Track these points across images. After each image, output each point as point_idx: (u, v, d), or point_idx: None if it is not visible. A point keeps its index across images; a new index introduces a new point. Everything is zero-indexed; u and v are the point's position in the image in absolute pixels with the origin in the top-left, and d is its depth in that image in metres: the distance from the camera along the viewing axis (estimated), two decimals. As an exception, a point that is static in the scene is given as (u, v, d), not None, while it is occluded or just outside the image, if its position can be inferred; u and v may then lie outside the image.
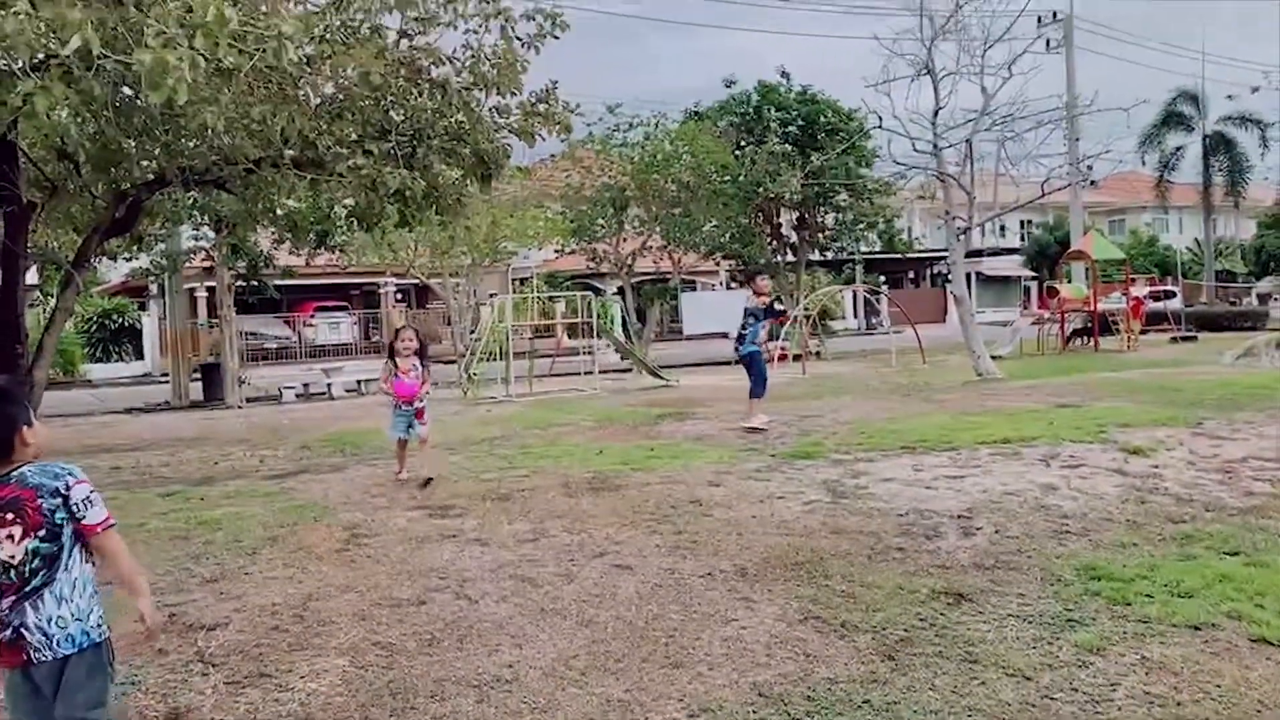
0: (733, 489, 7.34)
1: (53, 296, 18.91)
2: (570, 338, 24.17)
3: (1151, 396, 11.69)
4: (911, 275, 55.39)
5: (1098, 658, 4.11)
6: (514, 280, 35.15)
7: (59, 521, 2.84)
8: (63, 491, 2.84)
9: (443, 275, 26.79)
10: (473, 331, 25.79)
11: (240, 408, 20.46)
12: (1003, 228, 52.58)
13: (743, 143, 26.77)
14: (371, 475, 8.82)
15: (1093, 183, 27.37)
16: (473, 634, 4.56)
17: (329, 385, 22.44)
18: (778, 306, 10.61)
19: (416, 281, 32.30)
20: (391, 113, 10.80)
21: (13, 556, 2.80)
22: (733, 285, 41.40)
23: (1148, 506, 6.40)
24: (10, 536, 2.79)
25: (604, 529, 6.24)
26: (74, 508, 2.85)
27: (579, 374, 20.54)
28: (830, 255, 33.51)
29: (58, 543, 2.84)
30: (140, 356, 34.41)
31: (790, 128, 26.91)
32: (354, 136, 10.98)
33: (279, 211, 16.06)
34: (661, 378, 20.23)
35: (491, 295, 25.01)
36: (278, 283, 25.35)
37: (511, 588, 5.16)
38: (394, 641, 4.49)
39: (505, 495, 7.44)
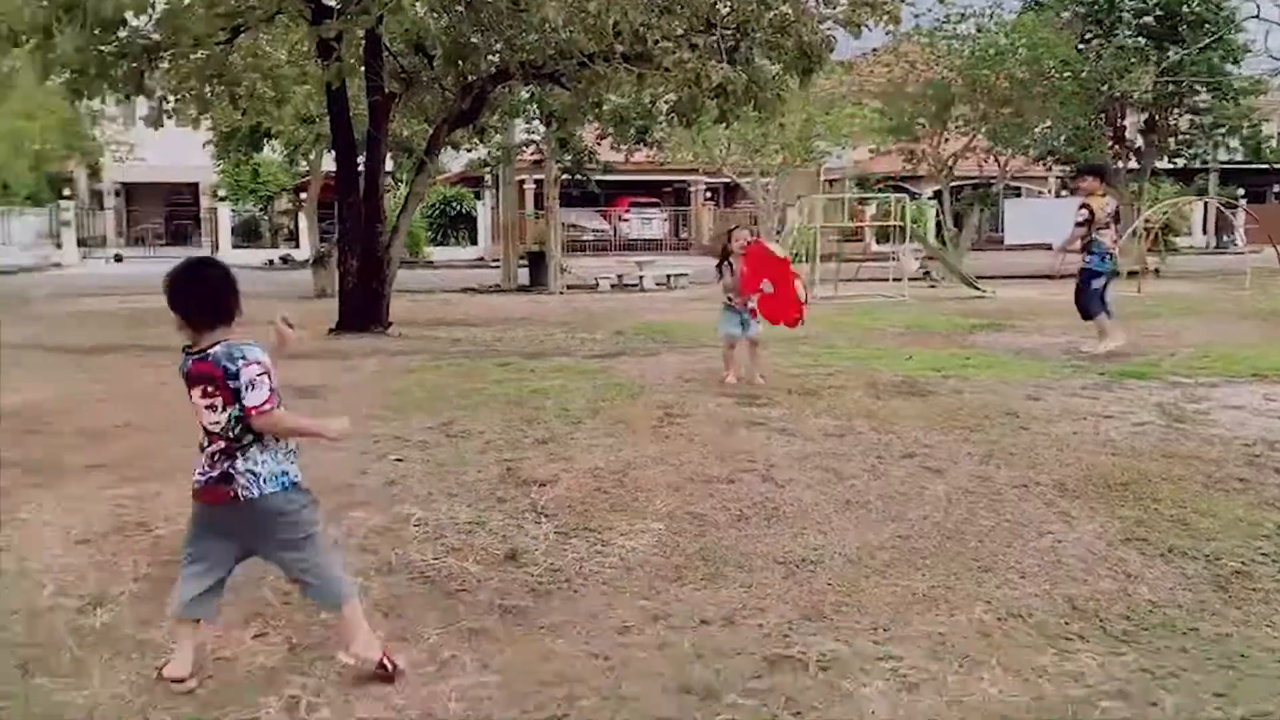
0: (1054, 404, 6.99)
1: (403, 183, 20.81)
2: (879, 243, 23.56)
3: None
4: (1277, 189, 48.87)
5: None
6: (824, 181, 34.54)
7: None
8: (234, 372, 3.05)
9: (753, 174, 26.84)
10: (778, 232, 25.78)
11: (561, 294, 21.79)
12: (1402, 136, 44.97)
13: (1088, 35, 24.49)
14: (683, 363, 9.17)
15: None
16: (779, 516, 4.72)
17: (641, 277, 23.33)
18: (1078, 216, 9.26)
19: (727, 180, 32.60)
20: (718, 5, 10.86)
21: (217, 423, 3.10)
22: (1063, 193, 38.43)
23: None
24: (212, 406, 3.09)
25: (912, 432, 6.17)
26: (240, 390, 3.05)
27: (886, 280, 20.06)
28: (1180, 163, 30.19)
29: None
30: (474, 242, 37.38)
31: (1145, 18, 24.24)
32: (680, 30, 11.16)
33: (605, 106, 16.70)
34: (977, 288, 19.34)
35: (799, 197, 24.76)
36: (597, 178, 26.48)
37: (818, 478, 5.26)
38: (705, 514, 4.74)
39: (812, 390, 7.50)
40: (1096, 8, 24.99)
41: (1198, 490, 5.06)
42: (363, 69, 12.35)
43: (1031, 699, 3.18)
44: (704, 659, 3.46)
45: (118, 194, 41.41)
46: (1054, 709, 3.12)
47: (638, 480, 5.21)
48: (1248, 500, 4.90)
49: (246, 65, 12.71)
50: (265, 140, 21.72)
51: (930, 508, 4.81)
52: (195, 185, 38.37)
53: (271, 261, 33.47)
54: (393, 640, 3.57)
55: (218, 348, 3.11)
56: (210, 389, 3.10)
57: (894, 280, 19.66)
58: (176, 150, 29.42)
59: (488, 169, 26.06)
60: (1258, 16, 16.29)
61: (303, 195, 29.74)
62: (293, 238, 36.31)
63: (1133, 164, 26.56)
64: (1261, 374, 7.92)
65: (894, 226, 20.76)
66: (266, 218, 38.45)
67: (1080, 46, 23.76)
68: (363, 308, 12.17)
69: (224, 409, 3.11)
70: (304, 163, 24.59)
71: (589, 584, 4.03)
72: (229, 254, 35.46)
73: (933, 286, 20.71)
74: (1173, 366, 8.40)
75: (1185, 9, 24.28)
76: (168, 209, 41.01)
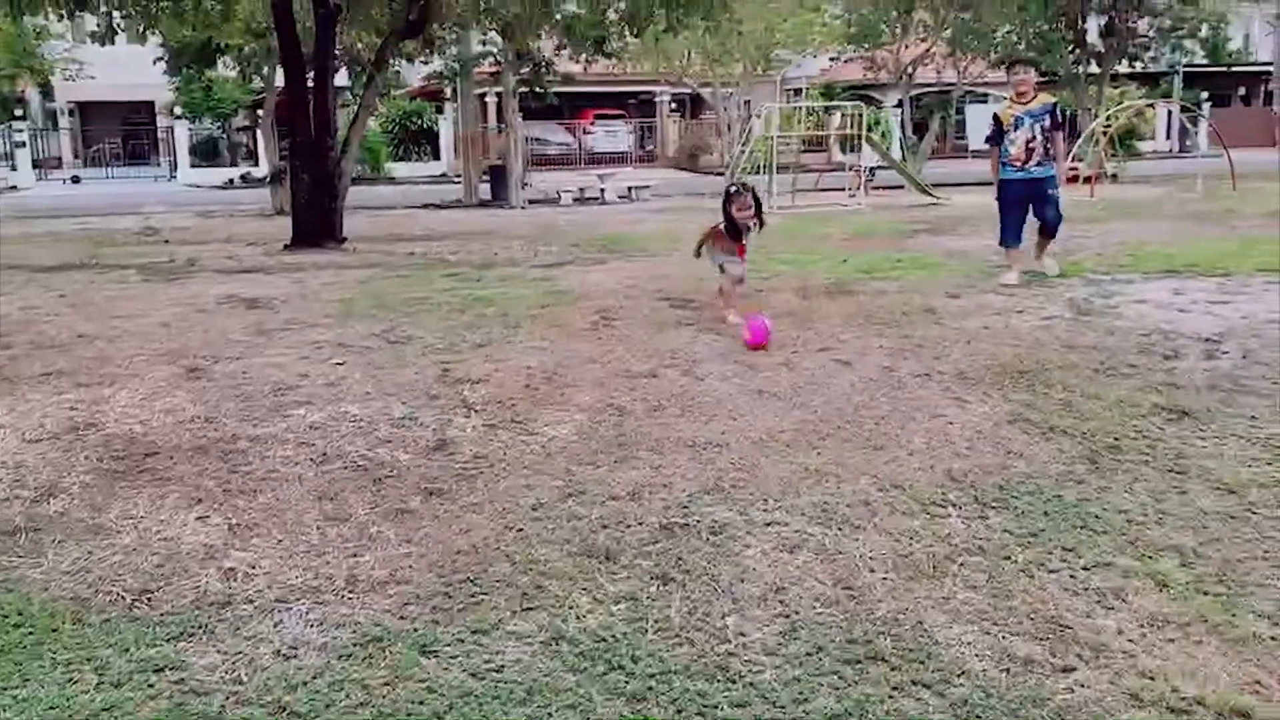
0: (972, 301, 7.33)
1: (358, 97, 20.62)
2: (842, 152, 23.63)
3: None
4: (1243, 92, 48.98)
5: (1315, 480, 4.01)
6: (787, 91, 34.40)
7: None
8: None
9: (714, 85, 26.72)
10: (743, 143, 25.78)
11: (523, 208, 21.84)
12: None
13: (1047, -64, 24.30)
14: (626, 269, 9.44)
15: None
16: (694, 406, 5.05)
17: (602, 190, 23.41)
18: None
19: (690, 91, 32.38)
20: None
21: None
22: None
23: None
24: None
25: (831, 328, 6.50)
26: None
27: (845, 190, 20.25)
28: (1141, 66, 30.19)
29: None
30: (436, 157, 37.03)
31: (1105, -81, 24.09)
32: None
33: (557, 16, 16.60)
34: (931, 195, 19.59)
35: (764, 106, 24.73)
36: (559, 89, 26.20)
37: (734, 370, 5.59)
38: (625, 405, 5.06)
39: (743, 294, 7.79)
40: (1057, -92, 24.73)
41: (1089, 376, 5.43)
42: (308, -20, 12.26)
43: (898, 555, 3.55)
44: (609, 528, 3.80)
45: (72, 113, 40.46)
46: (917, 564, 3.49)
47: (565, 378, 5.52)
48: (1132, 385, 5.27)
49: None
50: (217, 56, 21.38)
51: (834, 395, 5.16)
52: (151, 103, 37.53)
53: (231, 181, 33.10)
54: (324, 521, 3.90)
55: None
56: None
57: (852, 193, 19.85)
58: (129, 68, 28.78)
59: (446, 81, 25.78)
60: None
61: (259, 112, 29.28)
62: (251, 155, 35.80)
63: (1094, 68, 26.57)
64: (1176, 270, 8.28)
65: (853, 135, 20.85)
66: (224, 136, 37.78)
67: (1039, -52, 23.60)
68: (316, 223, 12.28)
69: None
70: (258, 79, 24.18)
71: (511, 468, 4.36)
72: (188, 174, 35.02)
73: (874, 187, 20.93)
74: (1094, 265, 8.75)
75: (1145, -91, 24.12)
76: (124, 128, 40.09)
